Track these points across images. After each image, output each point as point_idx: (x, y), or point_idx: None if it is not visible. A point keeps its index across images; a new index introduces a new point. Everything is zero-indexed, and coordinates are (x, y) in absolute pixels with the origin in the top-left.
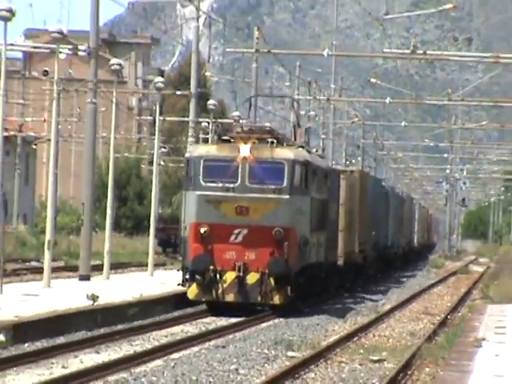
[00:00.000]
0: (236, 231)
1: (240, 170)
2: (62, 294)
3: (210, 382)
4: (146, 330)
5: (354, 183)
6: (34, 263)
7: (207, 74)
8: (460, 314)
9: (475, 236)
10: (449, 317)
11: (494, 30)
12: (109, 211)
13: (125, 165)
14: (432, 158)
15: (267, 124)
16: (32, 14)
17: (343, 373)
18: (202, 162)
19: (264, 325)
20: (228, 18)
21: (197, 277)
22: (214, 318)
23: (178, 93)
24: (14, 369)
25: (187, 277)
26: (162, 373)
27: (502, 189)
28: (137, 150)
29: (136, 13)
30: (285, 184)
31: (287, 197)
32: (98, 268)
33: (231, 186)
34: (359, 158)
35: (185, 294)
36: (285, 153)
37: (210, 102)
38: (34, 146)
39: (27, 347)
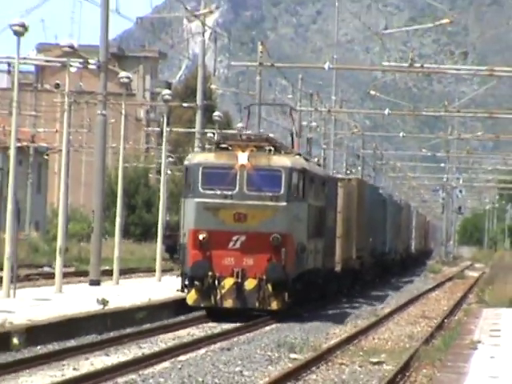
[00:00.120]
0: (234, 238)
1: (238, 177)
2: (73, 299)
3: (216, 383)
4: (153, 333)
5: (351, 191)
6: (45, 269)
7: (213, 86)
8: (456, 317)
9: (471, 242)
10: (445, 320)
11: (489, 44)
12: (118, 219)
13: (133, 174)
14: (429, 167)
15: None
16: (44, 29)
17: (344, 374)
18: (200, 169)
19: (267, 328)
20: (233, 33)
21: (196, 283)
22: (219, 322)
23: (185, 105)
24: (27, 370)
25: (186, 283)
26: (170, 374)
27: (497, 197)
28: (145, 159)
29: (144, 28)
30: (282, 191)
31: (284, 204)
32: (108, 273)
33: (229, 193)
34: (359, 168)
35: None
36: (282, 160)
37: (216, 113)
38: (45, 156)
39: (39, 350)
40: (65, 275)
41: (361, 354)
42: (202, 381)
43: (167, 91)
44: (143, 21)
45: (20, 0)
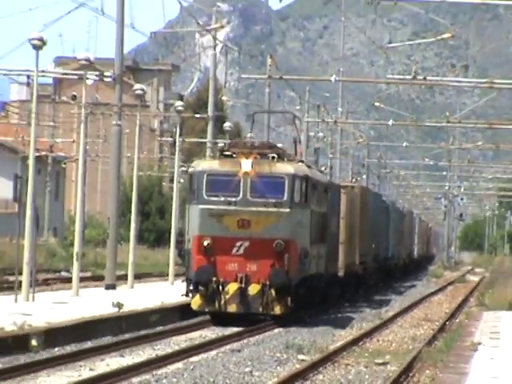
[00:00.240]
0: (238, 243)
1: (242, 184)
2: (89, 302)
3: (227, 383)
4: (166, 335)
5: (354, 198)
6: (63, 273)
7: (224, 98)
8: (458, 320)
9: (472, 248)
10: (447, 323)
11: (490, 57)
12: (133, 225)
13: (147, 182)
14: (431, 175)
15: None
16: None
17: (350, 375)
18: (205, 176)
19: (276, 330)
20: (243, 47)
21: (200, 288)
22: (223, 326)
23: (197, 116)
24: (45, 371)
25: (191, 288)
26: (182, 375)
27: (497, 204)
28: (158, 168)
29: (158, 42)
30: (285, 198)
31: (287, 210)
32: (123, 278)
33: (233, 199)
34: (364, 176)
35: None
36: (285, 167)
37: (226, 124)
38: (63, 165)
39: (57, 351)
40: (81, 279)
41: (366, 355)
42: (213, 381)
43: (180, 103)
44: (157, 35)
45: (39, 15)
